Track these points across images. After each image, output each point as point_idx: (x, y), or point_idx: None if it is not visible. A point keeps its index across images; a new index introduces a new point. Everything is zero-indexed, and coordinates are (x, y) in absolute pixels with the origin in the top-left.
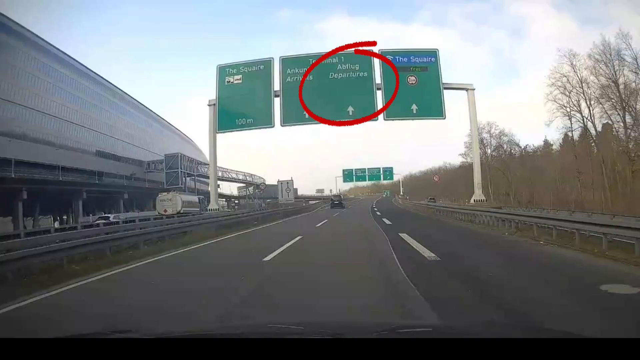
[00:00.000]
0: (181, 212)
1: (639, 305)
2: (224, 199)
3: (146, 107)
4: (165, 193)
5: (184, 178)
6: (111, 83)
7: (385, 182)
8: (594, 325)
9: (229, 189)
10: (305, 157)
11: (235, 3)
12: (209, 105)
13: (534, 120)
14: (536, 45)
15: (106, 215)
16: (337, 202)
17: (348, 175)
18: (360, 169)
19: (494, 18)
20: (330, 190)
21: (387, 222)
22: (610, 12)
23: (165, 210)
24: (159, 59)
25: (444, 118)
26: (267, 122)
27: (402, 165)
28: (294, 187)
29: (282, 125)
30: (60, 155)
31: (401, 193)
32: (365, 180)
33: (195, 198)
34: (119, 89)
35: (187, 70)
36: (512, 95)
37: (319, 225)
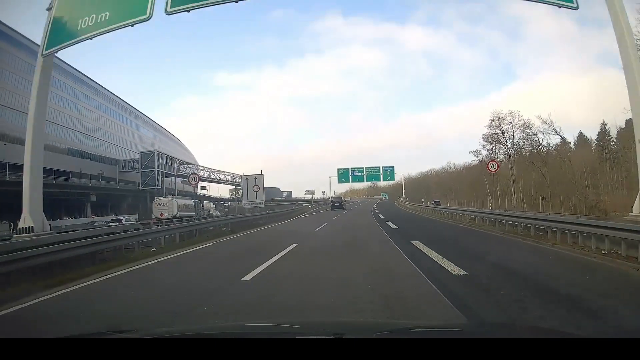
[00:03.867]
0: (177, 216)
1: None
2: (212, 202)
3: (125, 102)
4: (162, 197)
5: (163, 178)
6: (82, 73)
7: (384, 183)
8: None
9: (217, 191)
10: (297, 156)
11: (228, 4)
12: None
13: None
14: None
15: (119, 217)
16: (337, 204)
17: (343, 175)
18: (357, 168)
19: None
20: (323, 192)
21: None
22: None
23: (162, 215)
24: (146, 58)
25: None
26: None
27: (398, 167)
28: (264, 184)
29: (168, 13)
30: (9, 150)
31: (403, 195)
32: (362, 180)
33: (190, 202)
34: (92, 80)
35: (176, 70)
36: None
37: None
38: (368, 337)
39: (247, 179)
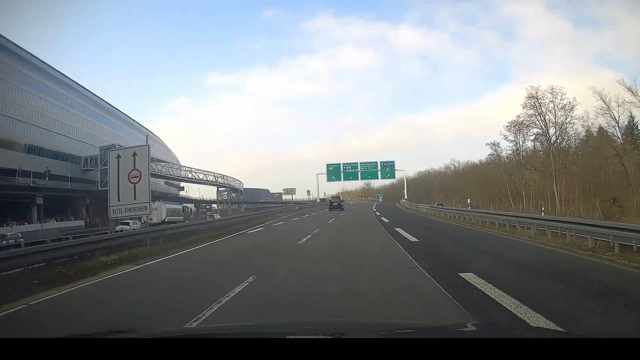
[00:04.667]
0: (165, 220)
1: None
2: (192, 204)
3: (92, 93)
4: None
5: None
6: (42, 60)
7: (378, 184)
8: None
9: (198, 192)
10: (289, 158)
11: (218, 4)
12: None
13: None
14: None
15: (127, 221)
16: (336, 204)
17: (334, 171)
18: (350, 164)
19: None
20: (308, 192)
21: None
22: None
23: (151, 219)
24: (139, 61)
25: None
26: None
27: (399, 163)
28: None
29: None
30: None
31: (405, 197)
32: (356, 178)
33: (179, 207)
34: (51, 68)
35: (166, 72)
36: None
37: None
38: (368, 337)
39: (118, 157)
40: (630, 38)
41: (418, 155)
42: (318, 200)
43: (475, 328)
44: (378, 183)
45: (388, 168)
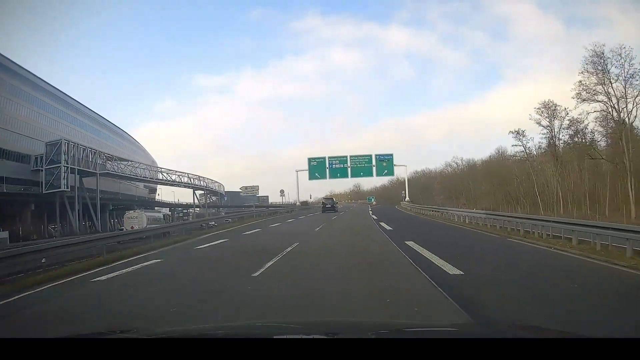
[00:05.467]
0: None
1: None
2: (167, 209)
3: (48, 84)
4: (132, 211)
5: (80, 177)
6: None
7: (372, 184)
8: None
9: (173, 195)
10: (278, 160)
11: (204, 5)
12: None
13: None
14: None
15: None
16: (329, 205)
17: (317, 167)
18: (337, 158)
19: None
20: (282, 192)
21: None
22: None
23: (132, 227)
24: (120, 61)
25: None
26: None
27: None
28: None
29: None
30: None
31: (407, 198)
32: (346, 175)
33: (160, 215)
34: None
35: (150, 72)
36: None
37: None
38: (364, 337)
39: None
40: (623, 38)
41: (409, 155)
42: (298, 204)
43: (473, 328)
44: (369, 185)
45: (385, 162)
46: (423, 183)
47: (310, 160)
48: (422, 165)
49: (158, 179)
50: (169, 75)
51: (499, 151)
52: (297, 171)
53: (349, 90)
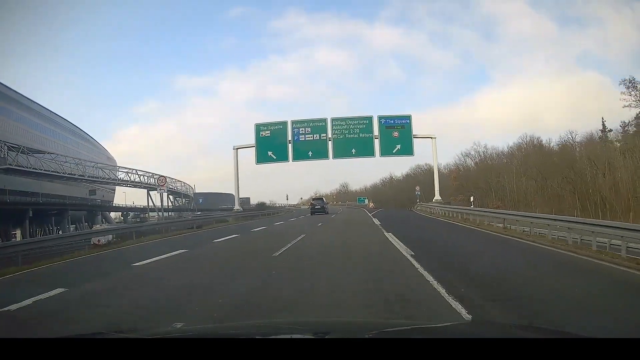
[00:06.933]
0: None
1: None
2: (120, 213)
3: None
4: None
5: None
6: None
7: (358, 185)
8: None
9: (124, 197)
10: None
11: (181, 3)
12: None
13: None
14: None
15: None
16: (318, 207)
17: (272, 140)
18: (307, 122)
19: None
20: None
21: None
22: None
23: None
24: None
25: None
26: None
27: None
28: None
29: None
30: None
31: (436, 196)
32: (324, 155)
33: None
34: None
35: (129, 72)
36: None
37: None
38: (358, 337)
39: None
40: (615, 38)
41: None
42: (237, 208)
43: (470, 328)
44: (356, 185)
45: (398, 130)
46: (423, 181)
47: (259, 128)
48: (411, 163)
49: (93, 176)
50: (148, 76)
51: (527, 138)
52: (235, 148)
53: (335, 92)
